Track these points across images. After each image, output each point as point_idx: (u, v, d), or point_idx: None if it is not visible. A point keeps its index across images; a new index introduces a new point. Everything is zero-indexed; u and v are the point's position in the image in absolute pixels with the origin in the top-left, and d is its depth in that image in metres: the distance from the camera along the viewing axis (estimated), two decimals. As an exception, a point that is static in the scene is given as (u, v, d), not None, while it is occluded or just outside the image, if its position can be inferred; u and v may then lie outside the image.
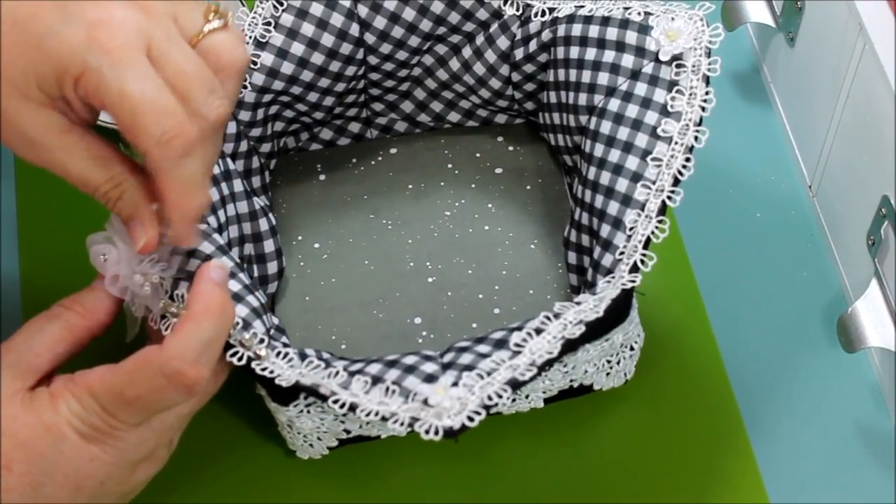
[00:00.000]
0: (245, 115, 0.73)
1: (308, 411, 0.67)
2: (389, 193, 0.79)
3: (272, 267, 0.74)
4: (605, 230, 0.68)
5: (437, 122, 0.81)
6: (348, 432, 0.70)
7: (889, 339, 0.71)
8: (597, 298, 0.64)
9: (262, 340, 0.63)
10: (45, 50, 0.55)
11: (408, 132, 0.81)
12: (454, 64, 0.78)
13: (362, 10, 0.73)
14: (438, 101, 0.80)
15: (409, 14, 0.74)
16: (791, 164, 0.85)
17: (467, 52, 0.77)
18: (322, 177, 0.80)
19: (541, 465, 0.73)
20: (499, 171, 0.80)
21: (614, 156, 0.68)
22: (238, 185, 0.72)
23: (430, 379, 0.60)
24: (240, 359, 0.62)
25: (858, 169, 0.75)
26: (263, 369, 0.62)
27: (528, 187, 0.79)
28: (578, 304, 0.64)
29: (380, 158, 0.80)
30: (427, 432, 0.58)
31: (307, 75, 0.73)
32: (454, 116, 0.81)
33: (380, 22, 0.74)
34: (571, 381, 0.70)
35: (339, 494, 0.72)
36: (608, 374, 0.71)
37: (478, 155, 0.81)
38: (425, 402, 0.59)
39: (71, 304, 0.62)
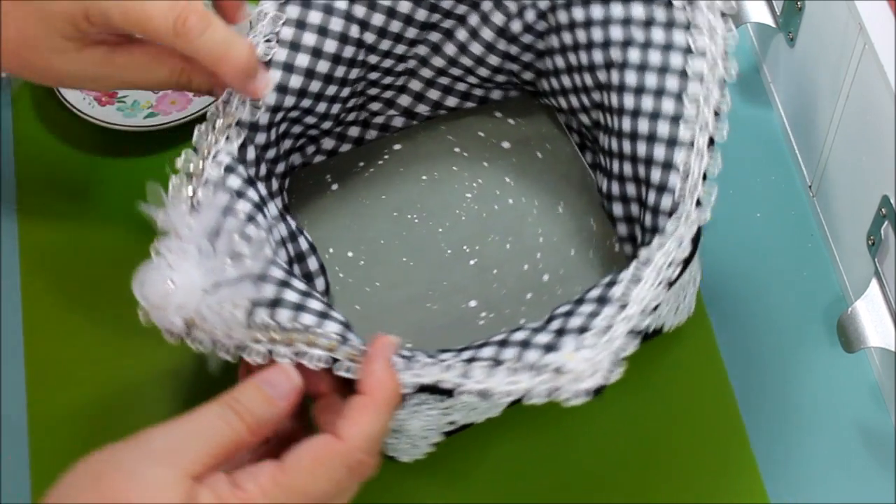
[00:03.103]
0: (261, 138, 0.70)
1: (417, 410, 0.66)
2: (406, 188, 0.79)
3: (320, 284, 0.73)
4: (657, 174, 0.67)
5: (435, 110, 0.81)
6: (453, 423, 0.69)
7: (889, 339, 0.71)
8: (675, 238, 0.64)
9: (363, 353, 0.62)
10: (48, 9, 0.60)
11: (406, 126, 0.81)
12: (449, 49, 0.78)
13: (359, 10, 0.72)
14: (435, 88, 0.80)
15: (404, 6, 0.73)
16: (791, 164, 0.84)
17: (462, 34, 0.77)
18: (334, 186, 0.79)
19: (538, 464, 0.72)
20: (506, 145, 0.80)
21: (648, 103, 0.68)
22: (273, 208, 0.70)
23: (550, 348, 0.60)
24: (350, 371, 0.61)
25: (858, 169, 0.75)
26: None
27: (539, 155, 0.80)
28: (660, 247, 0.64)
29: (386, 157, 0.80)
30: (569, 399, 0.58)
31: (315, 85, 0.72)
32: (452, 101, 0.81)
33: (378, 19, 0.73)
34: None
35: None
36: (675, 312, 0.71)
37: (481, 134, 0.81)
38: (557, 370, 0.59)
39: (244, 413, 0.57)
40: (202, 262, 0.61)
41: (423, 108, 0.81)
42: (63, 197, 0.82)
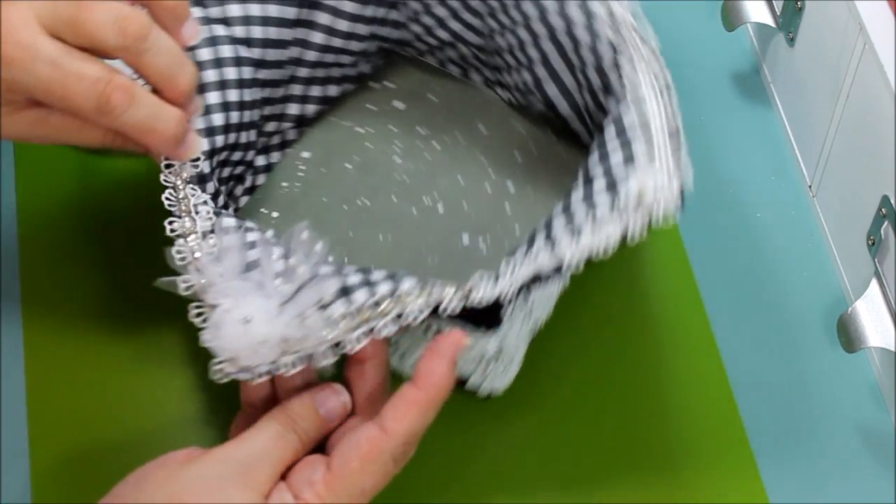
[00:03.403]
0: (210, 188, 0.69)
1: (511, 319, 0.68)
2: (338, 183, 0.79)
3: None
4: (583, 33, 0.69)
5: (321, 106, 0.80)
6: (533, 325, 0.72)
7: (889, 339, 0.71)
8: (647, 72, 0.66)
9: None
10: None
11: (299, 135, 0.80)
12: (317, 37, 0.77)
13: (239, 31, 0.72)
14: (315, 84, 0.79)
15: (273, 10, 0.73)
16: (791, 164, 0.85)
17: (324, 17, 0.76)
18: (274, 214, 0.78)
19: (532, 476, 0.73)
20: (399, 105, 0.82)
21: (553, 5, 0.69)
22: None
23: (615, 203, 0.62)
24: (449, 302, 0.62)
25: (858, 169, 0.75)
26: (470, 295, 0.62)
27: (433, 97, 0.82)
28: (638, 85, 0.66)
29: (302, 167, 0.80)
30: (665, 216, 0.62)
31: (234, 116, 0.71)
32: (333, 90, 0.80)
33: (256, 31, 0.72)
34: None
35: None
36: None
37: (371, 107, 0.82)
38: (638, 203, 0.61)
39: (302, 433, 0.61)
40: (258, 292, 0.61)
41: (310, 110, 0.80)
42: (63, 197, 0.82)
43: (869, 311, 0.72)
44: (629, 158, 0.64)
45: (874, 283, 0.72)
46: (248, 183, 0.78)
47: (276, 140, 0.79)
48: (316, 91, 0.80)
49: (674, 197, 0.62)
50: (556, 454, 0.73)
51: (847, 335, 0.72)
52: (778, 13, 0.83)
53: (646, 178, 0.62)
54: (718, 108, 0.87)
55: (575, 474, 0.72)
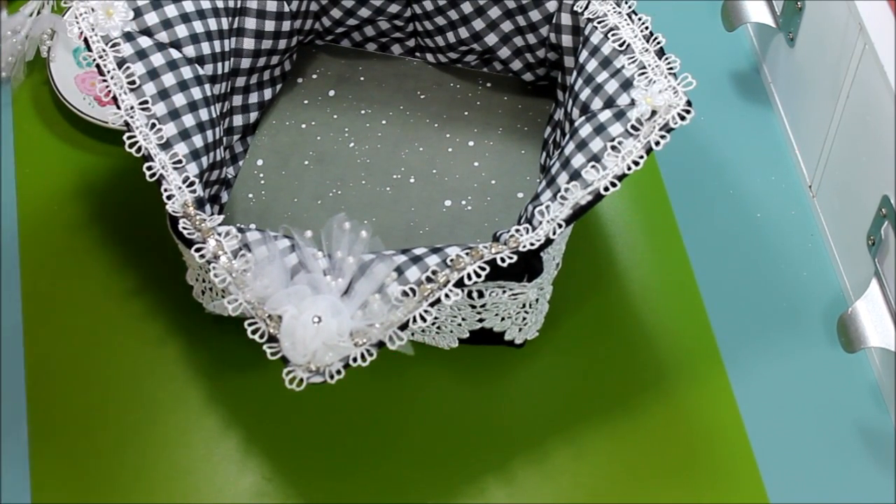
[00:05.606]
0: (208, 210, 0.71)
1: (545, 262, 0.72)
2: (303, 181, 0.80)
3: None
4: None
5: (260, 112, 0.82)
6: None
7: (889, 339, 0.71)
8: (613, 11, 0.72)
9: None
10: None
11: (246, 144, 0.82)
12: (248, 43, 0.79)
13: (190, 51, 0.73)
14: (252, 91, 0.81)
15: (212, 24, 0.75)
16: (791, 164, 0.85)
17: (252, 22, 0.79)
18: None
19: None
20: (332, 92, 0.84)
21: None
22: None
23: (627, 123, 0.67)
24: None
25: (858, 169, 0.75)
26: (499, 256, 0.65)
27: (362, 78, 0.84)
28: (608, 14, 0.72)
29: (260, 175, 0.80)
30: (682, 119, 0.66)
31: (209, 135, 0.73)
32: (267, 94, 0.83)
33: (206, 48, 0.75)
34: None
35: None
36: None
37: (307, 102, 0.84)
38: (653, 112, 0.67)
39: None
40: (315, 292, 0.62)
41: (252, 118, 0.82)
42: (63, 196, 0.82)
43: (869, 311, 0.72)
44: (627, 84, 0.68)
45: (874, 283, 0.72)
46: (223, 200, 0.79)
47: (227, 155, 0.80)
48: (254, 98, 0.82)
49: (682, 104, 0.66)
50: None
51: (847, 335, 0.72)
52: (778, 13, 0.83)
53: (651, 96, 0.67)
54: (718, 108, 0.87)
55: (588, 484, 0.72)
